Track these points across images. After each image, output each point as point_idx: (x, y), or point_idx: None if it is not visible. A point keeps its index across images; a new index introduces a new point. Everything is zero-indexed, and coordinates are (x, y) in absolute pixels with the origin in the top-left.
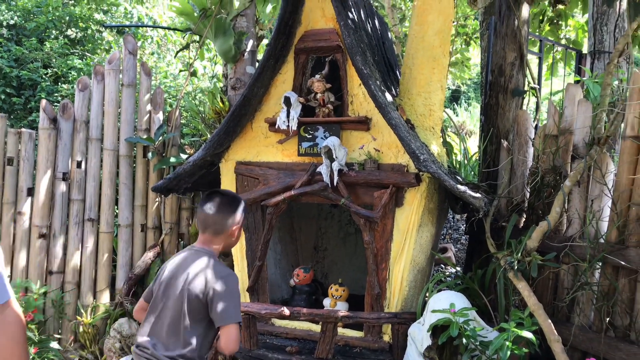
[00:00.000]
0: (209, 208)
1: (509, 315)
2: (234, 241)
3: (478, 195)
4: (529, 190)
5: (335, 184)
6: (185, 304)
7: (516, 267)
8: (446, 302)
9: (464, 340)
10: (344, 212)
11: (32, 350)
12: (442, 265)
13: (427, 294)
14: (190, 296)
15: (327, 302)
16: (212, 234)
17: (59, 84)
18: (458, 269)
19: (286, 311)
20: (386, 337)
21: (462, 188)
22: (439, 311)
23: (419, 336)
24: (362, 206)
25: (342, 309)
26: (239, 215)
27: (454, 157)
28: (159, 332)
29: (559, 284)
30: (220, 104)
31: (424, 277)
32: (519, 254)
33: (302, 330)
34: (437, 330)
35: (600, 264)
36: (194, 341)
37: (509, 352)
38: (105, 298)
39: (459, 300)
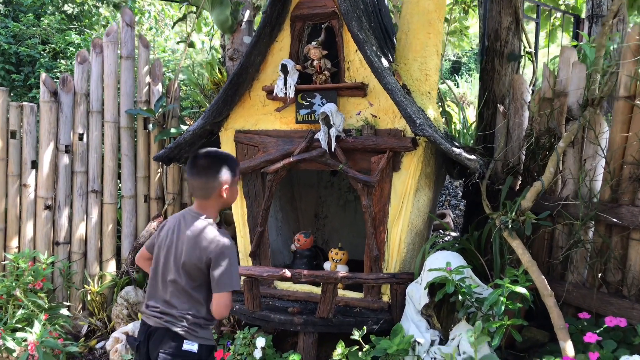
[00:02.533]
0: (193, 173)
1: (504, 274)
2: (228, 200)
3: (473, 157)
4: (524, 153)
5: (333, 150)
6: (186, 270)
7: (510, 226)
8: (443, 262)
9: (460, 297)
10: (343, 180)
11: (42, 316)
12: (440, 231)
13: (424, 255)
14: (188, 263)
15: (327, 265)
16: (201, 198)
17: (58, 60)
18: (456, 233)
19: (287, 273)
20: (385, 298)
21: (458, 151)
22: (436, 270)
23: (416, 295)
24: (360, 171)
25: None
26: (224, 175)
27: (453, 126)
28: (166, 294)
29: (554, 243)
30: (219, 75)
31: (421, 240)
32: (513, 213)
33: (304, 292)
34: (434, 288)
35: (594, 222)
36: (202, 301)
37: (503, 307)
38: (111, 267)
39: (455, 260)
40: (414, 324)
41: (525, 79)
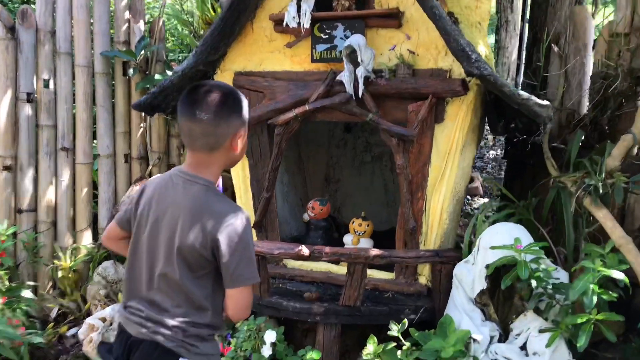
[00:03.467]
0: (193, 112)
1: (580, 252)
2: (238, 156)
3: (546, 102)
4: (588, 103)
5: (360, 95)
6: (182, 257)
7: (595, 192)
8: (506, 237)
9: (534, 283)
10: (358, 138)
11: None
12: (468, 197)
13: (476, 228)
14: (186, 248)
15: (348, 238)
16: (206, 150)
17: None
18: (485, 199)
19: (305, 250)
20: (422, 279)
21: (525, 95)
22: (500, 248)
23: (467, 278)
24: (394, 123)
25: (366, 246)
26: (240, 118)
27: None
28: (154, 292)
29: (627, 212)
30: (212, 12)
31: (460, 209)
32: (600, 176)
33: (320, 272)
34: (494, 271)
35: None
36: (206, 301)
37: (595, 298)
38: (86, 239)
39: (522, 235)
40: (466, 315)
41: (589, 12)
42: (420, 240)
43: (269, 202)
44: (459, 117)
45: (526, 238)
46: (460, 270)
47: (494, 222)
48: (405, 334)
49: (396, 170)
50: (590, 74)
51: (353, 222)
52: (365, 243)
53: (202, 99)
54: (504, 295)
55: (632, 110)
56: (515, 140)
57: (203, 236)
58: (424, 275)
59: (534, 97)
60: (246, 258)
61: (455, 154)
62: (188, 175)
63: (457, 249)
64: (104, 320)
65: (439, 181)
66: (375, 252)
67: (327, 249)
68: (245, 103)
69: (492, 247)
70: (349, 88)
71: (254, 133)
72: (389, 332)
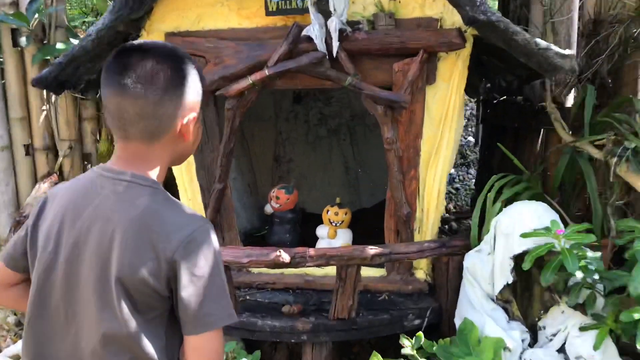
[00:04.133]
0: (131, 83)
1: (609, 230)
2: (191, 147)
3: (569, 51)
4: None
5: (335, 54)
6: (124, 293)
7: (632, 157)
8: (534, 219)
9: (579, 275)
10: (311, 109)
11: None
12: None
13: (486, 209)
14: (130, 280)
15: (322, 231)
16: (144, 139)
17: None
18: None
19: (285, 256)
20: (420, 274)
21: (544, 43)
22: (534, 234)
23: (484, 271)
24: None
25: (345, 239)
26: (196, 88)
27: None
28: (79, 351)
29: None
30: None
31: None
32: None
33: (295, 275)
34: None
35: None
36: (159, 355)
37: None
38: None
39: (552, 216)
40: (487, 316)
41: None
42: (415, 228)
43: (222, 194)
44: (454, 76)
45: (556, 219)
46: (473, 262)
47: (508, 202)
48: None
49: (384, 145)
50: (579, 20)
51: (328, 212)
52: (344, 235)
53: (138, 64)
54: (521, 286)
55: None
56: (495, 101)
57: (154, 261)
58: (422, 269)
59: (554, 46)
60: (216, 289)
61: (452, 122)
62: (120, 175)
63: (464, 236)
64: (17, 358)
65: (434, 156)
66: (373, 250)
67: (312, 251)
68: (198, 71)
69: (525, 235)
70: (321, 45)
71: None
72: (402, 351)
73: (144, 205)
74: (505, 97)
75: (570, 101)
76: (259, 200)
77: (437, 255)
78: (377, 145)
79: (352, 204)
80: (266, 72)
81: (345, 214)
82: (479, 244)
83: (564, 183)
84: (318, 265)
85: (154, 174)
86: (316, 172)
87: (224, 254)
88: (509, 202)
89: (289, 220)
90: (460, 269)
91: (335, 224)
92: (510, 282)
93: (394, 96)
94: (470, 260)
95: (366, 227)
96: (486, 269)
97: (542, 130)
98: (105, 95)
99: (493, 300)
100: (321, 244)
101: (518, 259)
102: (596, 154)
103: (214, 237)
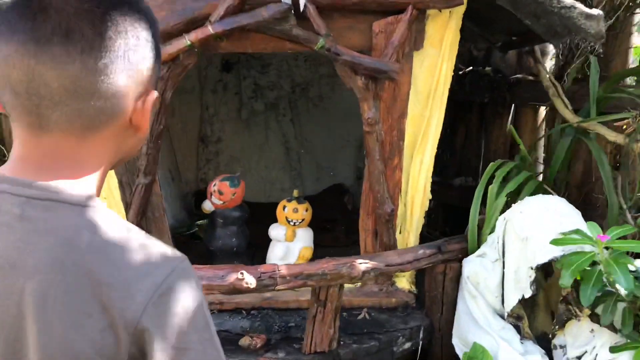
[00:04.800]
0: (53, 36)
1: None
2: (142, 138)
3: (596, 11)
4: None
5: (302, 7)
6: None
7: None
8: (558, 220)
9: (622, 291)
10: (244, 78)
11: None
12: None
13: (489, 204)
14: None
15: (278, 232)
16: (74, 130)
17: None
18: None
19: (249, 279)
20: (403, 283)
21: (568, 1)
22: (568, 241)
23: (489, 281)
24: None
25: (305, 241)
26: (156, 51)
27: None
28: None
29: None
30: None
31: None
32: None
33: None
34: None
35: None
36: None
37: None
38: None
39: (575, 215)
40: (499, 338)
41: None
42: (397, 228)
43: (149, 191)
44: (445, 40)
45: (580, 219)
46: (474, 270)
47: (514, 196)
48: None
49: (363, 127)
50: None
51: (285, 208)
52: (304, 236)
53: (68, 4)
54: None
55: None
56: (460, 72)
57: (106, 331)
58: (404, 276)
59: (579, 5)
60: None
61: (442, 97)
62: (30, 190)
63: (458, 238)
64: None
65: (420, 139)
66: (364, 264)
67: (284, 269)
68: (151, 27)
69: (556, 242)
70: None
71: None
72: None
73: (79, 239)
74: (471, 68)
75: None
76: (183, 187)
77: (434, 263)
78: (323, 122)
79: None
80: (210, 29)
81: (306, 210)
82: (478, 247)
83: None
84: (293, 287)
85: (89, 185)
86: (251, 154)
87: None
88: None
89: (236, 219)
90: (457, 278)
91: (294, 223)
92: (527, 295)
93: (381, 64)
94: (471, 267)
95: (313, 220)
96: (492, 278)
97: (512, 106)
98: (6, 56)
99: (502, 317)
100: (276, 248)
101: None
102: (613, 137)
103: (196, 282)
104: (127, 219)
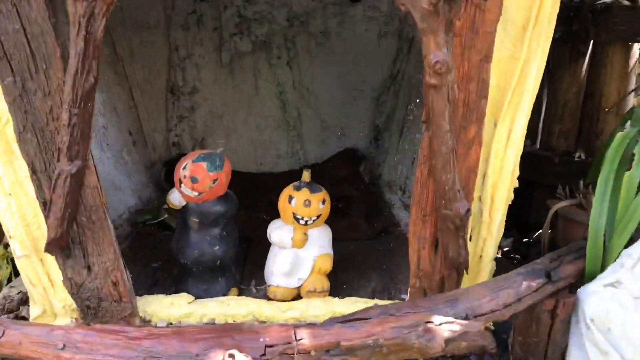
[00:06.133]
0: None
1: None
2: None
3: None
4: None
5: None
6: None
7: None
8: None
9: None
10: (224, 8)
11: None
12: None
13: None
14: None
15: (281, 234)
16: None
17: None
18: None
19: None
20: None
21: None
22: None
23: (632, 329)
24: None
25: (321, 245)
26: None
27: None
28: None
29: None
30: None
31: None
32: None
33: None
34: None
35: None
36: None
37: None
38: None
39: None
40: None
41: None
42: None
43: (79, 183)
44: None
45: None
46: (604, 309)
47: None
48: None
49: (425, 78)
50: None
51: (291, 199)
52: (319, 237)
53: None
54: None
55: None
56: None
57: None
58: None
59: None
60: None
61: (547, 29)
62: None
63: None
64: None
65: (511, 96)
66: (446, 324)
67: (306, 335)
68: None
69: None
70: None
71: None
72: None
73: None
74: None
75: None
76: (149, 155)
77: (540, 300)
78: (329, 66)
79: (292, 157)
80: None
81: (323, 201)
82: (603, 269)
83: None
84: None
85: None
86: (236, 110)
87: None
88: None
89: (219, 218)
90: (569, 319)
91: (306, 221)
92: None
93: None
94: (597, 303)
95: None
96: (637, 324)
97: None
98: None
99: None
100: (280, 259)
101: None
102: None
103: None
104: (48, 228)
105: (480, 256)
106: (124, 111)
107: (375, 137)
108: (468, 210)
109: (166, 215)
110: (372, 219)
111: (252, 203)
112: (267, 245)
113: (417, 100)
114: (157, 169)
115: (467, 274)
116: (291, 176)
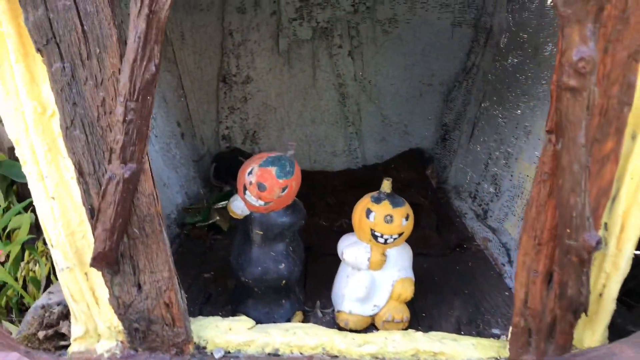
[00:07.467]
0: None
1: None
2: None
3: None
4: None
5: None
6: None
7: None
8: None
9: None
10: None
11: None
12: None
13: None
14: None
15: (356, 254)
16: None
17: None
18: None
19: None
20: None
21: None
22: None
23: None
24: None
25: (402, 268)
26: None
27: None
28: None
29: None
30: None
31: None
32: None
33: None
34: None
35: None
36: None
37: None
38: None
39: None
40: None
41: None
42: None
43: (132, 189)
44: None
45: None
46: None
47: None
48: None
49: (562, 78)
50: None
51: (369, 213)
52: (400, 258)
53: None
54: None
55: None
56: None
57: None
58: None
59: None
60: None
61: None
62: None
63: None
64: None
65: None
66: None
67: None
68: None
69: None
70: None
71: None
72: None
73: None
74: None
75: None
76: (198, 148)
77: None
78: (396, 57)
79: (348, 155)
80: None
81: (407, 217)
82: None
83: None
84: None
85: None
86: (291, 102)
87: None
88: None
89: (284, 230)
90: None
91: (386, 239)
92: None
93: None
94: None
95: None
96: None
97: None
98: None
99: None
100: (353, 282)
101: None
102: None
103: None
104: (95, 241)
105: (601, 294)
106: (173, 100)
107: (442, 137)
108: (599, 242)
109: (217, 218)
110: (444, 232)
111: (308, 206)
112: (328, 255)
113: (494, 99)
114: (205, 163)
115: (586, 316)
116: (347, 176)
